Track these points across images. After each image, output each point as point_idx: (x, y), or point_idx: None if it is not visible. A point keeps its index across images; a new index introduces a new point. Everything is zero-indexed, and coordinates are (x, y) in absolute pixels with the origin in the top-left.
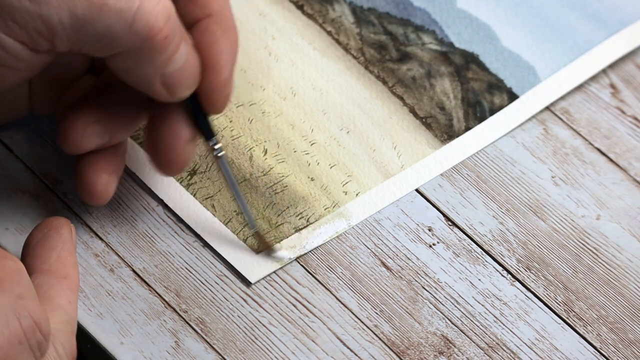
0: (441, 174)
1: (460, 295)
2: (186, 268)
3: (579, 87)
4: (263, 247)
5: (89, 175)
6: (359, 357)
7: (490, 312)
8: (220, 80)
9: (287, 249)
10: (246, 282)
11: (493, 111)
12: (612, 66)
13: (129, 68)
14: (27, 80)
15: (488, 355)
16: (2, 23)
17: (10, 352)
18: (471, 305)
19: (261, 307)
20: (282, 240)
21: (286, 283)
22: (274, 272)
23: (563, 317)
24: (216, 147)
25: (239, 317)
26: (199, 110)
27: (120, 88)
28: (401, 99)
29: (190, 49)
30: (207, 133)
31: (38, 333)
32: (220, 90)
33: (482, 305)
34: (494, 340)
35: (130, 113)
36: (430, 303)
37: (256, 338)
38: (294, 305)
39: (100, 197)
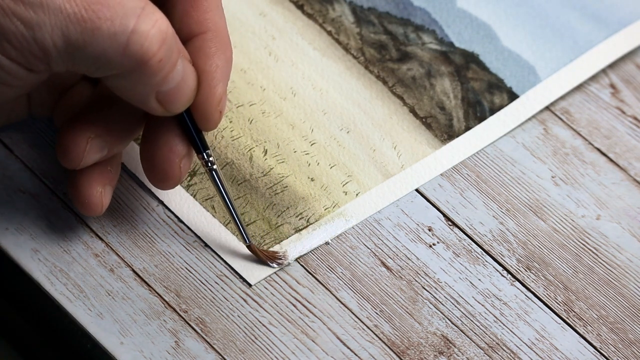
0: (441, 174)
1: (460, 295)
2: (186, 268)
3: (579, 87)
4: (261, 259)
5: (83, 188)
6: (359, 357)
7: (490, 312)
8: (214, 96)
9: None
10: (246, 283)
11: (493, 111)
12: (612, 66)
13: (123, 87)
14: (23, 94)
15: (488, 355)
16: None
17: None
18: (471, 305)
19: (261, 307)
20: (282, 240)
21: (286, 283)
22: (274, 272)
23: (563, 317)
24: (210, 159)
25: (239, 317)
26: (192, 124)
27: (118, 101)
28: (401, 98)
29: (187, 65)
30: (199, 146)
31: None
32: (214, 107)
33: (482, 305)
34: (494, 340)
35: (128, 126)
36: (430, 303)
37: (256, 338)
38: (294, 305)
39: (94, 209)
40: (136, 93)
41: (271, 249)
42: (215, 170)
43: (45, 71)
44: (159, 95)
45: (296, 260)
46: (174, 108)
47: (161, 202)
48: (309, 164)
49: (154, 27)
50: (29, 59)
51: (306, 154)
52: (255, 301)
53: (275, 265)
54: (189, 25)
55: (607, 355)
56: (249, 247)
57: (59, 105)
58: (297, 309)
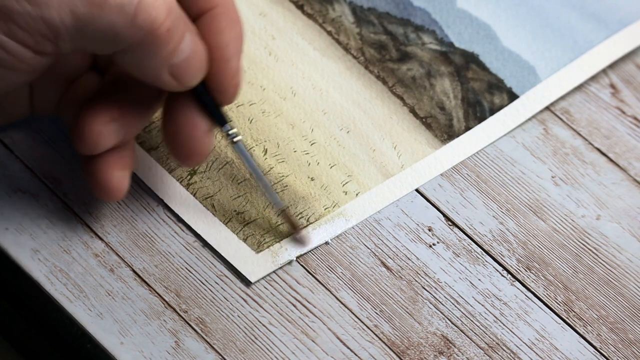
0: (441, 174)
1: (460, 295)
2: (186, 268)
3: (579, 87)
4: (291, 227)
5: (102, 173)
6: (359, 357)
7: (490, 312)
8: (229, 69)
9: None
10: (246, 282)
11: (493, 111)
12: (612, 66)
13: (135, 62)
14: (29, 81)
15: (488, 355)
16: (5, 26)
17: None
18: (471, 305)
19: (261, 307)
20: (282, 239)
21: (286, 283)
22: (274, 272)
23: (563, 317)
24: (231, 132)
25: (239, 317)
26: (210, 99)
27: (131, 84)
28: (401, 99)
29: (196, 38)
30: (220, 120)
31: None
32: (230, 80)
33: (482, 305)
34: (494, 340)
35: (142, 108)
36: (430, 303)
37: (256, 338)
38: (294, 305)
39: (116, 193)
40: (148, 68)
41: (272, 247)
42: (239, 142)
43: (53, 53)
44: (172, 69)
45: (296, 260)
46: (188, 81)
47: (161, 202)
48: (309, 164)
49: None
50: (37, 39)
51: (306, 154)
52: (255, 301)
53: (298, 238)
54: (197, 2)
55: (607, 355)
56: (282, 212)
57: (65, 98)
58: (297, 309)
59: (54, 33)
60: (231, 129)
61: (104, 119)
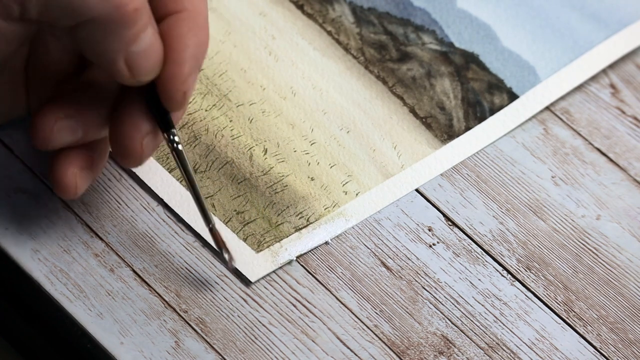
0: (441, 174)
1: (460, 295)
2: (186, 268)
3: (579, 87)
4: (216, 245)
5: (57, 169)
6: (359, 357)
7: (490, 312)
8: (180, 75)
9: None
10: (246, 282)
11: (493, 111)
12: (612, 66)
13: (95, 40)
14: (5, 61)
15: (488, 355)
16: None
17: None
18: (471, 305)
19: (261, 307)
20: (282, 239)
21: (286, 283)
22: (274, 272)
23: (563, 317)
24: (173, 139)
25: (239, 317)
26: (157, 102)
27: (94, 86)
28: (401, 99)
29: (156, 35)
30: (163, 125)
31: None
32: (178, 86)
33: (482, 305)
34: (494, 340)
35: (101, 110)
36: (430, 303)
37: (256, 338)
38: (294, 305)
39: (67, 191)
40: (106, 49)
41: (272, 247)
42: (178, 150)
43: (21, 18)
44: (128, 57)
45: (296, 260)
46: (141, 74)
47: (161, 202)
48: (309, 164)
49: None
50: (3, 1)
51: (306, 154)
52: (255, 301)
53: (226, 257)
54: (165, 3)
55: (607, 355)
56: (210, 230)
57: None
58: (297, 309)
59: None
60: (174, 135)
61: (57, 116)
